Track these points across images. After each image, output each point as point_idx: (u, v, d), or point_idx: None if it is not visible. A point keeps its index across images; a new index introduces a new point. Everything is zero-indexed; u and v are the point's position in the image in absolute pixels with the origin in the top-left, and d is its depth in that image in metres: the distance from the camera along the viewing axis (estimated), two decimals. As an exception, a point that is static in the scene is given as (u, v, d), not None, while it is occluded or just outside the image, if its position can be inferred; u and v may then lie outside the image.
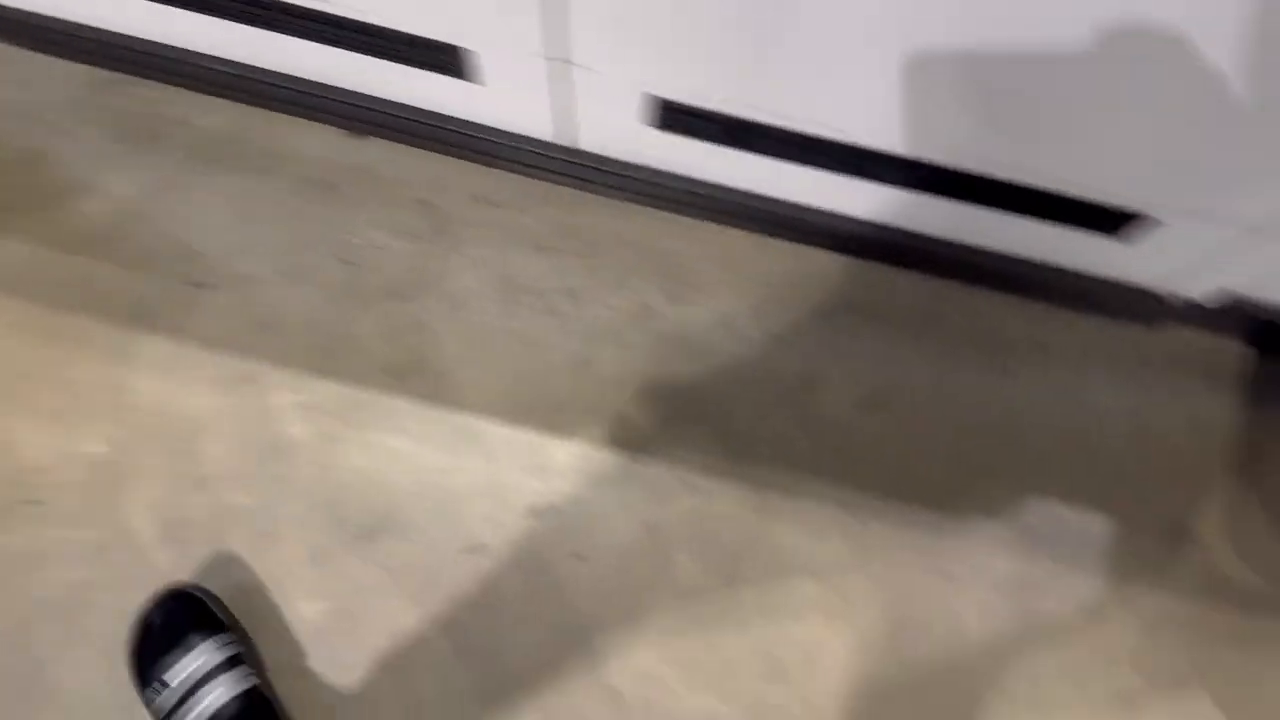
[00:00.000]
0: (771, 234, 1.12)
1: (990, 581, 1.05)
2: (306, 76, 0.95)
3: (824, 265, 1.13)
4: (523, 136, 0.98)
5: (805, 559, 1.04)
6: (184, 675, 0.89)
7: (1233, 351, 1.13)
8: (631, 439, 1.06)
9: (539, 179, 1.14)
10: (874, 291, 1.12)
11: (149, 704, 0.90)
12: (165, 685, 0.89)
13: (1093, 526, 1.07)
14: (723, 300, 1.11)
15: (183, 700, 0.88)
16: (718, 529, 1.05)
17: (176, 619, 0.93)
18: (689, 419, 1.07)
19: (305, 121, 1.15)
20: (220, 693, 0.88)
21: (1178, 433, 1.11)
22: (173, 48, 0.96)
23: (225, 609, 0.96)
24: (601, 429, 1.07)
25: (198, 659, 0.90)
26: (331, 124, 1.12)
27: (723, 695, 1.00)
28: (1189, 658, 1.04)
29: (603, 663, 1.00)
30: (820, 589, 1.04)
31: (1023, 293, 1.03)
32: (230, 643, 0.93)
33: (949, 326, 1.12)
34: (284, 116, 1.14)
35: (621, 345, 1.09)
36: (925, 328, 1.12)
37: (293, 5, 0.77)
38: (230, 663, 0.91)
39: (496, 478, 1.04)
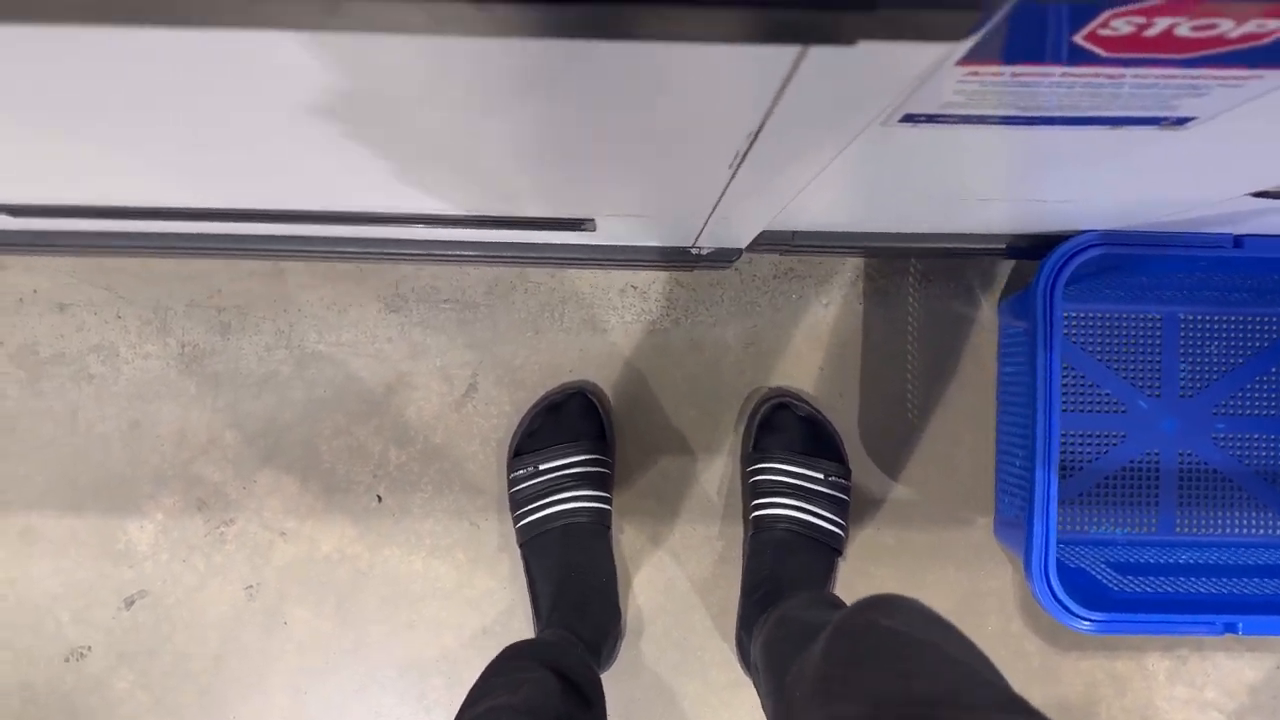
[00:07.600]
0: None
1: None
2: None
3: (385, 271, 0.97)
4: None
5: (427, 580, 0.97)
6: (556, 466, 0.89)
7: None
8: (210, 498, 0.96)
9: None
10: (441, 281, 0.96)
11: (511, 482, 0.92)
12: (535, 470, 0.90)
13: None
14: (278, 320, 0.96)
15: (545, 490, 0.89)
16: (326, 572, 0.96)
17: (574, 416, 0.92)
18: (267, 461, 0.96)
19: None
20: (579, 504, 0.88)
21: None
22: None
23: (612, 429, 0.95)
24: (175, 496, 0.95)
25: (578, 457, 0.89)
26: None
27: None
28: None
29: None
30: (447, 609, 0.97)
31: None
32: (606, 462, 0.92)
33: (525, 304, 0.97)
34: None
35: (173, 397, 0.96)
36: (495, 311, 0.97)
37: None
38: (599, 480, 0.90)
39: (74, 575, 0.95)
